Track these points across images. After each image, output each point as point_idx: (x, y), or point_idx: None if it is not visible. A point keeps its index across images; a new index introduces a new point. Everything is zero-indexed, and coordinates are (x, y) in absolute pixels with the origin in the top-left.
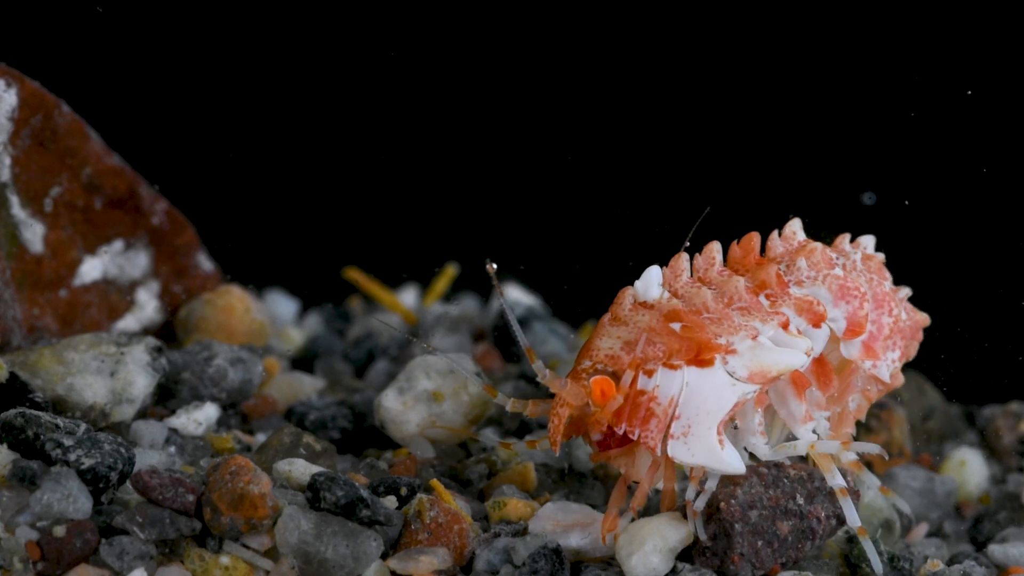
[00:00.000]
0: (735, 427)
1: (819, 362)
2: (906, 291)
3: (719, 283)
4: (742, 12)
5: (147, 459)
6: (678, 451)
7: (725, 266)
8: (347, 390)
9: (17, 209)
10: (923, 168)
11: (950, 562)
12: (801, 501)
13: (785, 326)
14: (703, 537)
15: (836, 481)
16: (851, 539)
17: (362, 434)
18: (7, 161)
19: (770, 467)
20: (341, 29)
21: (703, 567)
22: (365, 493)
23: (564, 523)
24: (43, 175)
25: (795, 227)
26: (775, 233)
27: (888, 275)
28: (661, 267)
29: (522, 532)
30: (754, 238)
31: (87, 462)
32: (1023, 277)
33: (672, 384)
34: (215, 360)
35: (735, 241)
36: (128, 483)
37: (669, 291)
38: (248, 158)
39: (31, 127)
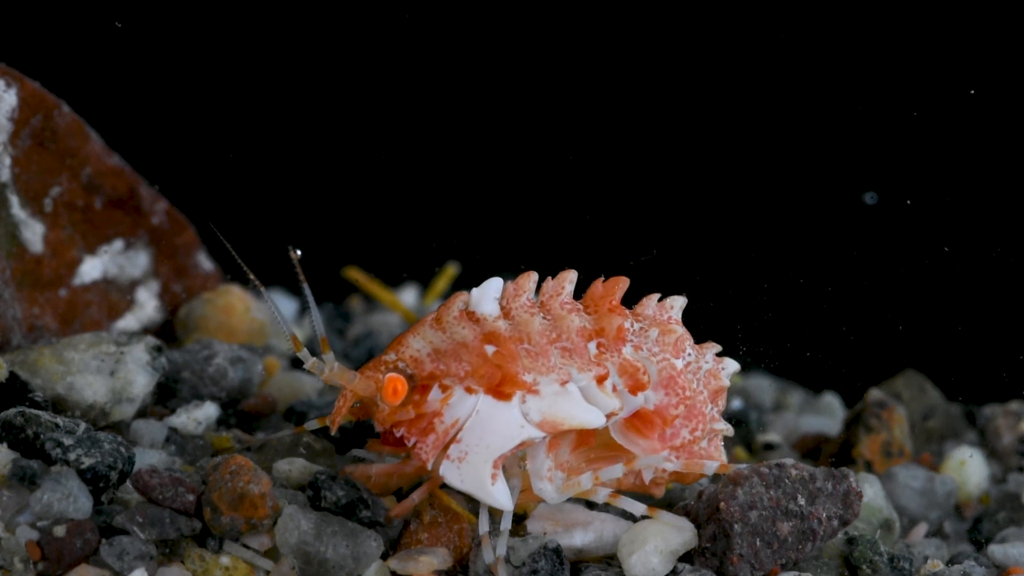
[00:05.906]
0: (525, 468)
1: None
2: (724, 427)
3: (557, 315)
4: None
5: (147, 458)
6: (449, 473)
7: (581, 300)
8: None
9: (17, 209)
10: (921, 167)
11: (950, 562)
12: (803, 502)
13: (601, 380)
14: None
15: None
16: (851, 540)
17: (363, 433)
18: (7, 161)
19: (772, 467)
20: (341, 29)
21: (702, 567)
22: (365, 493)
23: (564, 522)
24: (43, 175)
25: (676, 303)
26: (655, 296)
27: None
28: (506, 280)
29: (520, 532)
30: (620, 282)
31: (87, 461)
32: (1023, 277)
33: (462, 407)
34: (215, 359)
35: (601, 277)
36: (128, 483)
37: (503, 309)
38: (248, 158)
39: (31, 127)
